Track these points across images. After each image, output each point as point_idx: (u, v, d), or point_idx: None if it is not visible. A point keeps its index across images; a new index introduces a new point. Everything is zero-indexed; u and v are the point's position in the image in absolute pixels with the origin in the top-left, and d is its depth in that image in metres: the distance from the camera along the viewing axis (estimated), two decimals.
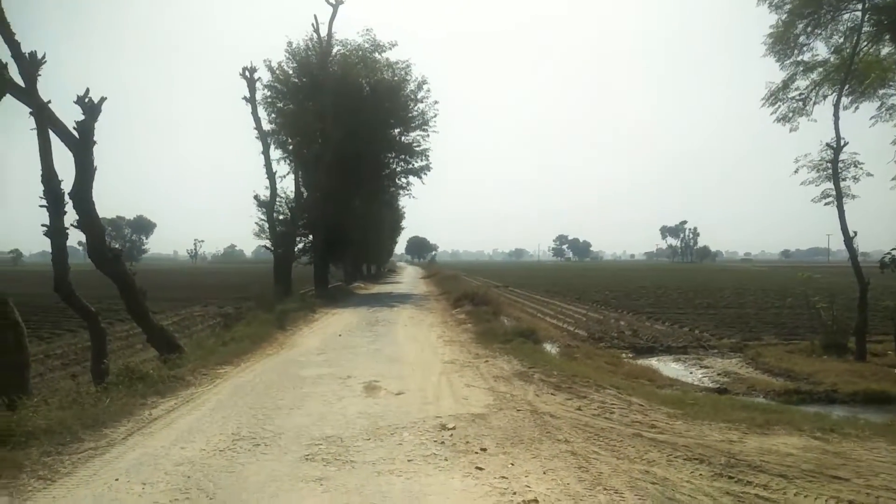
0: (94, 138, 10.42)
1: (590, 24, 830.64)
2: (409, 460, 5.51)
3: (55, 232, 9.82)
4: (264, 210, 28.25)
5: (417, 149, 34.79)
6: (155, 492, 4.81)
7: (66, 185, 10.04)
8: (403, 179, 37.35)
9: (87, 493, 4.79)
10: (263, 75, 29.69)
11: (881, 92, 15.96)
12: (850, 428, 6.79)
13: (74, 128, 10.25)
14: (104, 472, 5.25)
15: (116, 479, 5.07)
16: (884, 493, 4.74)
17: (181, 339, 12.96)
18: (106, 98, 10.47)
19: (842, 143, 14.59)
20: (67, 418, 6.50)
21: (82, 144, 10.27)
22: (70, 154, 10.31)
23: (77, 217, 10.27)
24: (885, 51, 15.51)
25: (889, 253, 14.88)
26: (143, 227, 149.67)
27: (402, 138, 34.75)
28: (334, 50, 30.84)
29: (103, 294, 19.64)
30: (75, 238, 14.21)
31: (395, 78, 32.78)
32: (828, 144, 14.83)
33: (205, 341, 13.20)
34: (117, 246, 12.27)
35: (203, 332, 16.71)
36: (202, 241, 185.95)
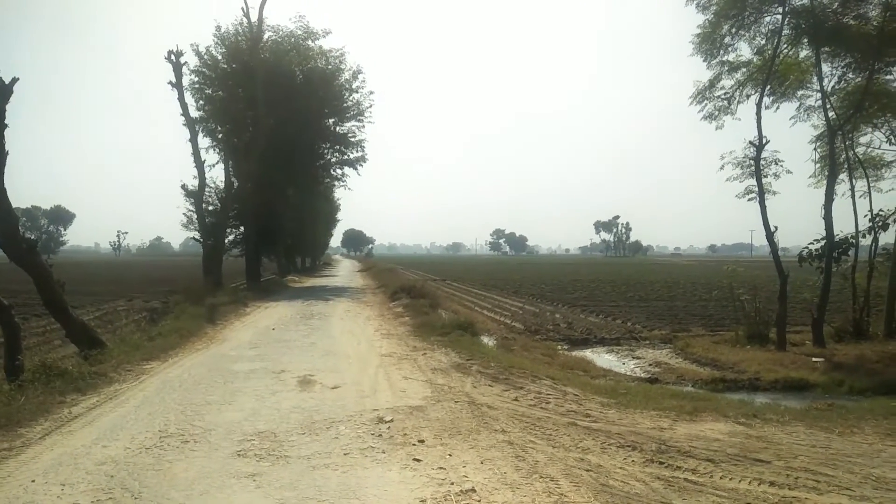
0: (6, 121, 9.73)
1: (525, 20, 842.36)
2: (345, 454, 5.41)
3: None
4: (193, 200, 27.29)
5: (353, 139, 34.15)
6: (75, 492, 4.54)
7: None
8: (339, 170, 36.56)
9: (0, 496, 4.48)
10: (191, 60, 28.57)
11: (800, 93, 16.89)
12: (771, 414, 7.14)
13: None
14: (19, 474, 4.92)
15: (33, 481, 4.76)
16: (802, 474, 4.99)
17: (104, 334, 12.33)
18: (18, 79, 9.78)
19: (764, 141, 15.28)
20: None
21: None
22: None
23: None
24: (803, 53, 16.36)
25: (807, 247, 15.76)
26: (61, 217, 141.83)
27: (337, 128, 34.02)
28: (265, 36, 29.88)
29: (18, 289, 18.55)
30: None
31: (329, 66, 32.05)
32: (751, 142, 15.52)
33: (129, 336, 12.58)
34: (32, 237, 11.51)
35: (128, 326, 15.91)
36: (126, 232, 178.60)
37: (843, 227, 16.29)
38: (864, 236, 16.26)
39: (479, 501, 4.36)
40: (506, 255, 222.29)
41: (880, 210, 16.51)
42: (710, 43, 16.05)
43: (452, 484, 4.69)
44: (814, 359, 13.13)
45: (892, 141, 17.32)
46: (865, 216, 16.49)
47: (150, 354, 10.53)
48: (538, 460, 5.22)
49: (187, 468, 5.05)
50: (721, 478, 4.89)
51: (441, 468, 5.05)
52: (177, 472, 4.95)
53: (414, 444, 5.68)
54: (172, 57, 23.55)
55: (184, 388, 8.12)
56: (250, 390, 8.01)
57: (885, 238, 16.69)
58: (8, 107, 9.69)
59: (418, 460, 5.23)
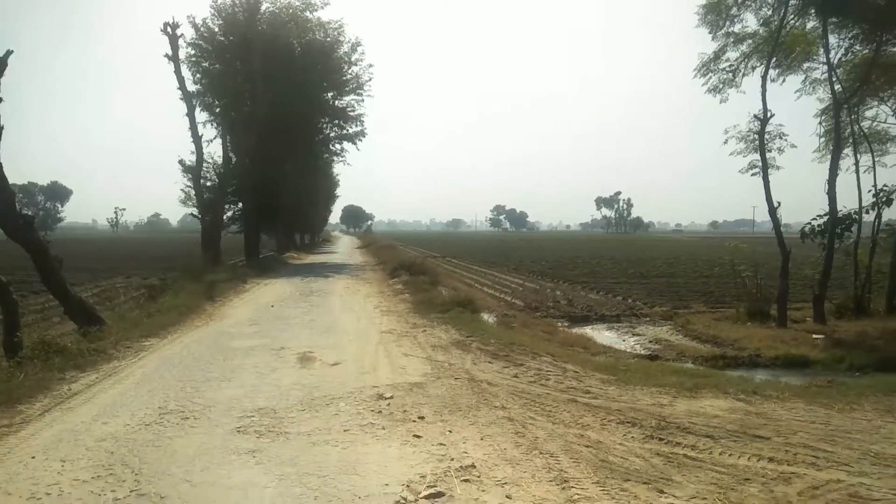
0: (1, 95, 9.59)
1: None
2: (345, 430, 5.41)
3: None
4: (190, 176, 27.05)
5: (352, 114, 33.70)
6: (75, 468, 4.55)
7: None
8: (337, 145, 36.08)
9: (0, 473, 4.47)
10: (187, 32, 28.17)
11: (806, 65, 16.62)
12: (771, 390, 7.15)
13: None
14: (19, 450, 4.93)
15: (33, 457, 4.77)
16: (801, 450, 4.99)
17: (103, 311, 12.32)
18: (12, 51, 9.62)
19: (768, 114, 15.11)
20: None
21: None
22: None
23: None
24: (810, 25, 16.02)
25: (809, 223, 15.66)
26: (58, 193, 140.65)
27: (336, 102, 33.55)
28: (263, 7, 29.32)
29: (16, 265, 18.52)
30: None
31: (328, 39, 31.51)
32: (755, 116, 15.34)
33: (128, 313, 12.59)
34: (29, 213, 11.44)
35: (126, 303, 15.91)
36: (124, 209, 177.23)
37: (847, 202, 16.22)
38: (867, 212, 16.15)
39: (478, 477, 4.36)
40: (506, 232, 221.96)
41: (885, 185, 16.40)
42: (715, 13, 15.76)
43: (452, 460, 4.69)
44: (814, 335, 13.13)
45: None
46: (869, 191, 16.39)
47: (150, 331, 10.52)
48: (538, 436, 5.22)
49: (187, 444, 5.05)
50: (720, 454, 4.89)
51: (441, 444, 5.05)
52: (177, 449, 4.95)
53: (414, 421, 5.68)
54: (168, 29, 23.17)
55: (183, 365, 8.12)
56: (250, 367, 8.01)
57: (889, 214, 16.60)
58: (3, 80, 9.56)
59: (418, 436, 5.23)
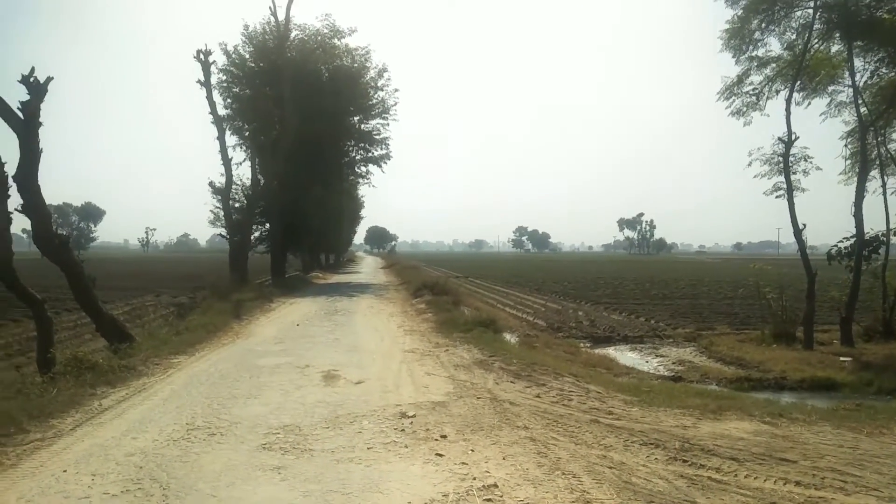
0: (40, 119, 9.98)
1: (554, 17, 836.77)
2: (368, 448, 5.47)
3: None
4: (220, 197, 27.60)
5: (377, 137, 34.40)
6: (105, 482, 4.65)
7: (10, 168, 9.58)
8: (363, 168, 36.88)
9: (32, 485, 4.60)
10: (219, 59, 29.02)
11: (830, 88, 16.57)
12: (797, 413, 7.03)
13: (19, 108, 9.78)
14: (51, 464, 5.05)
15: (64, 471, 4.88)
16: (829, 474, 4.91)
17: (133, 328, 12.59)
18: (52, 78, 10.01)
19: (793, 137, 15.04)
20: (12, 409, 6.25)
21: (27, 126, 9.80)
22: (14, 136, 9.85)
23: (21, 202, 9.83)
24: (834, 48, 16.02)
25: (836, 245, 15.45)
26: (92, 214, 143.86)
27: (362, 126, 34.28)
28: (292, 35, 30.26)
29: (50, 284, 18.98)
30: (19, 225, 13.60)
31: (355, 65, 32.32)
32: (780, 139, 15.28)
33: (157, 331, 12.84)
34: (64, 233, 11.80)
35: (156, 321, 16.24)
36: (154, 229, 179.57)
37: (874, 224, 16.00)
38: (895, 234, 15.91)
39: (501, 497, 4.38)
40: (528, 253, 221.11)
41: None
42: (738, 38, 15.81)
43: (475, 479, 4.71)
44: (841, 358, 12.91)
45: None
46: None
47: (178, 349, 10.69)
48: (560, 457, 5.22)
49: (214, 460, 5.14)
50: (745, 477, 4.84)
51: (463, 463, 5.07)
52: (204, 464, 5.05)
53: (436, 440, 5.71)
54: (201, 56, 23.87)
55: (210, 382, 8.25)
56: (276, 385, 8.11)
57: None
58: (42, 105, 9.95)
59: (441, 455, 5.26)
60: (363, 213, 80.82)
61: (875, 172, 16.65)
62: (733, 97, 16.63)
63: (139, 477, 4.76)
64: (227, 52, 29.86)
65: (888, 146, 17.28)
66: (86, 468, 4.95)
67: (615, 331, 17.61)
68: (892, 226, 15.93)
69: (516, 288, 34.37)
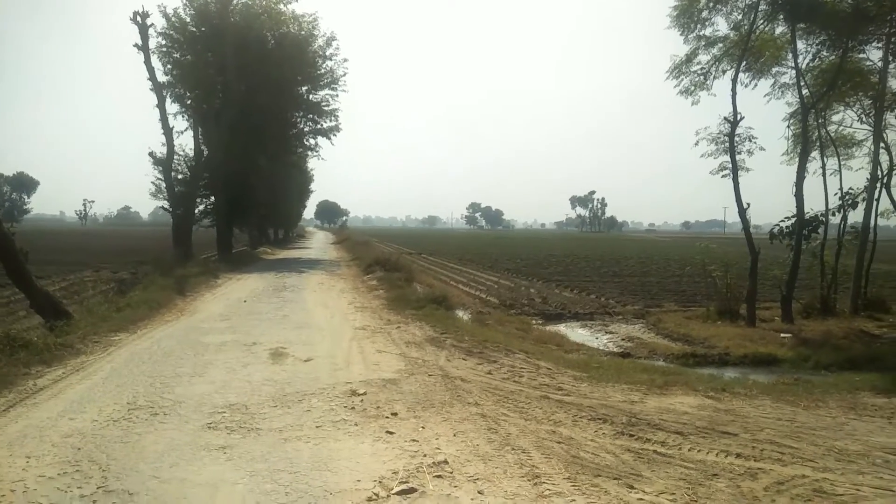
0: None
1: None
2: (317, 426, 5.38)
3: None
4: (161, 168, 26.71)
5: (326, 108, 33.47)
6: (41, 465, 4.45)
7: None
8: (312, 140, 35.80)
9: None
10: (158, 22, 27.66)
11: (775, 70, 16.94)
12: (739, 388, 7.28)
13: None
14: None
15: None
16: (767, 446, 5.09)
17: (70, 305, 12.07)
18: None
19: (738, 117, 15.35)
20: None
21: None
22: None
23: None
24: (779, 30, 16.31)
25: (778, 224, 15.96)
26: (24, 184, 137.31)
27: (310, 97, 33.30)
28: None
29: None
30: None
31: (302, 32, 31.20)
32: (725, 118, 15.58)
33: (97, 307, 12.31)
34: None
35: (95, 298, 15.55)
36: (92, 201, 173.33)
37: (814, 204, 16.59)
38: (833, 214, 16.53)
39: (451, 473, 4.37)
40: (482, 230, 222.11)
41: (850, 188, 16.86)
42: (687, 16, 15.93)
43: (425, 456, 4.69)
44: (782, 334, 13.39)
45: (864, 119, 17.57)
46: (836, 194, 16.78)
47: (119, 326, 10.33)
48: (510, 432, 5.25)
49: (157, 441, 4.98)
50: (689, 450, 4.97)
51: (414, 440, 5.04)
52: (146, 445, 4.88)
53: (387, 417, 5.67)
54: (138, 18, 22.83)
55: (153, 361, 7.99)
56: (221, 363, 7.91)
57: (854, 216, 17.04)
58: None
59: (391, 433, 5.22)
60: (313, 186, 79.10)
61: (816, 154, 17.22)
62: (682, 76, 16.81)
63: (77, 458, 4.57)
64: (166, 15, 28.31)
65: (828, 128, 17.88)
66: (20, 450, 4.73)
67: (566, 308, 17.85)
68: (830, 206, 16.56)
69: (469, 265, 34.46)
